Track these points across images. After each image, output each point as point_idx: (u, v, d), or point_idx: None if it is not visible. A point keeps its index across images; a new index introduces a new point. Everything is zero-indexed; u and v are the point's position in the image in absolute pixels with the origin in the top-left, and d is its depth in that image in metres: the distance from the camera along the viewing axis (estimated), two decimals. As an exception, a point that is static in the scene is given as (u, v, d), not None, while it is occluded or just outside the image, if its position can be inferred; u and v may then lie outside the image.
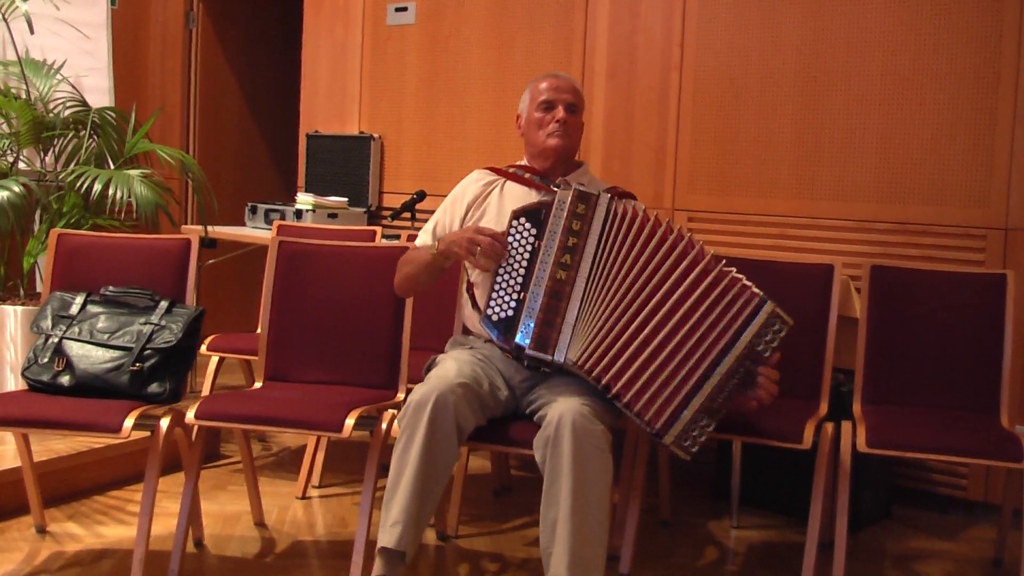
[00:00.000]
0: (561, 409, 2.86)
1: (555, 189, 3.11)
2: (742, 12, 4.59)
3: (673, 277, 2.98)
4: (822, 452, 3.31)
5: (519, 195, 3.27)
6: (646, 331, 2.94)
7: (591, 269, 2.98)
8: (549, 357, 2.96)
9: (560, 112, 3.26)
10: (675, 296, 2.96)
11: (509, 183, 3.32)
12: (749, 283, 3.00)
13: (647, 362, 2.94)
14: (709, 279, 2.98)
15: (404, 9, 5.70)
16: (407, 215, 4.99)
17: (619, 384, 2.92)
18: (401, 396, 3.52)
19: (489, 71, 5.39)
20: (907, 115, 4.23)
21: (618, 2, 4.95)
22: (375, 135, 5.78)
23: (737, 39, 4.61)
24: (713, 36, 4.68)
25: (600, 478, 2.84)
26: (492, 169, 3.37)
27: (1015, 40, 4.00)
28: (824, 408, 3.59)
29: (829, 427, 3.35)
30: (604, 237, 3.00)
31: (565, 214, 3.00)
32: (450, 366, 3.03)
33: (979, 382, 3.61)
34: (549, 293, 2.97)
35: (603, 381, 2.93)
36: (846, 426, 3.36)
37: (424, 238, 3.33)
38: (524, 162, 3.38)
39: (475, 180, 3.37)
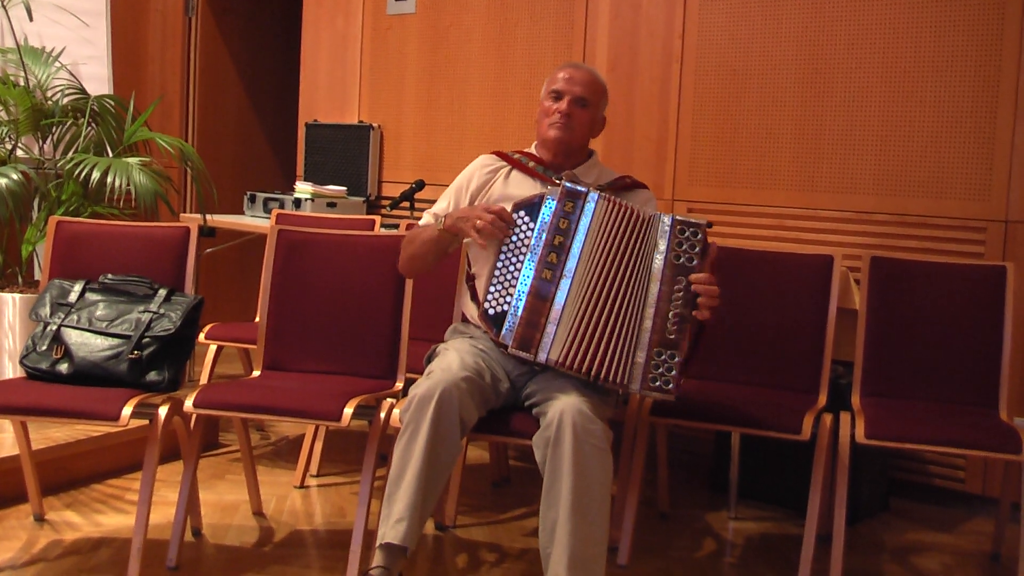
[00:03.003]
0: (561, 407, 2.85)
1: (557, 182, 3.10)
2: (743, 5, 4.58)
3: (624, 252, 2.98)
4: (821, 444, 3.31)
5: (523, 184, 3.24)
6: (611, 310, 2.94)
7: (576, 268, 2.95)
8: (531, 357, 2.95)
9: (564, 104, 3.21)
10: (617, 265, 2.97)
11: (515, 171, 3.30)
12: (644, 210, 2.99)
13: (606, 332, 2.93)
14: (629, 231, 2.98)
15: (404, -2, 5.70)
16: (406, 204, 4.99)
17: (596, 366, 2.92)
18: (400, 385, 3.52)
19: (489, 61, 5.38)
20: (908, 108, 4.22)
21: (619, -7, 4.95)
22: (375, 124, 5.77)
23: (738, 32, 4.60)
24: (714, 29, 4.67)
25: (600, 479, 2.82)
26: (499, 154, 3.35)
27: (1016, 33, 3.99)
28: (823, 400, 3.59)
29: (828, 419, 3.35)
30: (590, 236, 2.97)
31: (552, 212, 2.98)
32: (453, 358, 3.02)
33: (978, 375, 3.61)
34: (534, 293, 2.95)
35: (583, 370, 2.92)
36: (845, 418, 3.36)
37: (428, 219, 3.31)
38: (532, 149, 3.36)
39: (481, 166, 3.33)
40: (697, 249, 2.94)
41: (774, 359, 3.76)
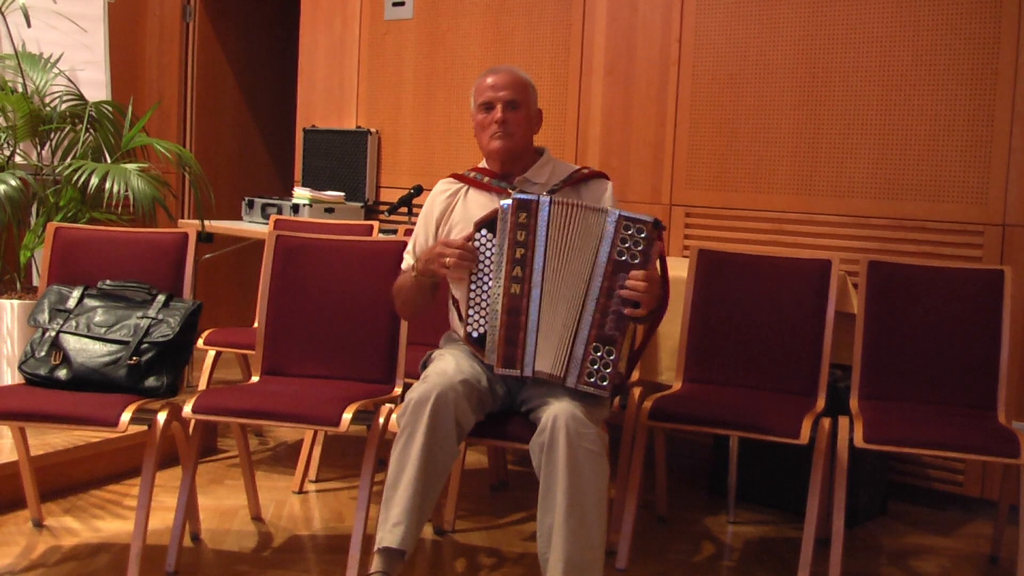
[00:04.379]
0: (554, 412, 2.85)
1: (511, 191, 3.10)
2: (741, 8, 4.59)
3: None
4: (819, 448, 3.31)
5: (481, 201, 3.23)
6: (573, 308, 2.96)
7: (543, 276, 2.96)
8: (518, 373, 2.97)
9: (498, 112, 3.19)
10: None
11: (472, 189, 3.29)
12: (607, 201, 2.99)
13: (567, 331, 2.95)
14: (584, 228, 2.97)
15: (402, 4, 5.69)
16: (404, 210, 4.99)
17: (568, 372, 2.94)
18: (398, 390, 3.52)
19: (487, 66, 5.36)
20: (905, 112, 4.23)
21: (616, -3, 4.95)
22: (372, 130, 5.77)
23: (736, 35, 4.61)
24: (711, 32, 4.67)
25: (596, 482, 2.83)
26: (455, 176, 3.34)
27: (1013, 38, 4.00)
28: (821, 403, 3.60)
29: (826, 422, 3.36)
30: (549, 242, 2.96)
31: (508, 226, 2.97)
32: (449, 362, 3.02)
33: (976, 378, 3.61)
34: (507, 310, 2.96)
35: (573, 384, 2.94)
36: (843, 421, 3.37)
37: (408, 260, 3.31)
38: (484, 163, 3.36)
39: (440, 193, 3.33)
40: (640, 247, 2.93)
41: (772, 363, 3.76)
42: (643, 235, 2.93)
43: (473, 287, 3.01)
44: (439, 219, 3.28)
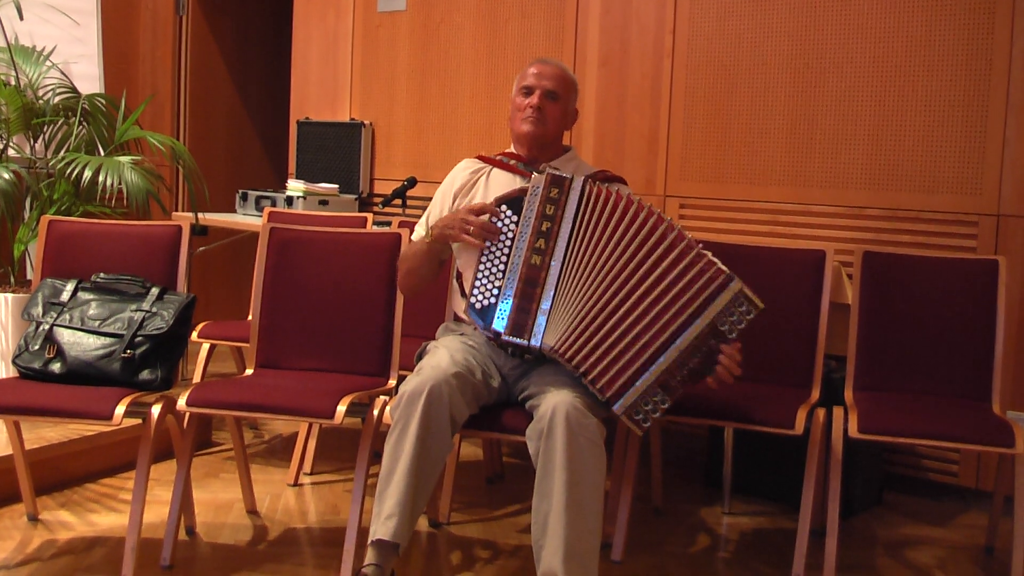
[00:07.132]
0: (555, 401, 2.85)
1: (537, 174, 3.11)
2: (734, -1, 4.59)
3: (643, 255, 2.96)
4: (814, 438, 3.31)
5: (504, 182, 3.26)
6: (619, 312, 2.94)
7: (565, 253, 2.97)
8: (525, 342, 2.96)
9: (535, 98, 3.23)
10: (643, 273, 2.95)
11: (495, 170, 3.31)
12: (717, 261, 2.97)
13: (614, 338, 2.93)
14: (675, 254, 2.95)
15: (395, -5, 5.69)
16: (398, 202, 4.97)
17: (592, 367, 2.92)
18: (393, 383, 3.52)
19: (481, 58, 5.38)
20: (900, 102, 4.23)
21: (610, -12, 4.94)
22: (366, 122, 5.76)
23: (729, 27, 4.60)
24: (705, 24, 4.67)
25: (593, 471, 2.83)
26: (480, 157, 3.38)
27: (1007, 28, 4.00)
28: (816, 394, 3.60)
29: (821, 413, 3.36)
30: (578, 220, 2.99)
31: (538, 199, 3.00)
32: (443, 355, 3.02)
33: (971, 368, 3.61)
34: (523, 279, 2.97)
35: (581, 368, 2.92)
36: (838, 412, 3.37)
37: (419, 231, 3.32)
38: (511, 149, 3.37)
39: (463, 169, 3.37)
40: (742, 325, 2.94)
41: (767, 354, 3.76)
42: (749, 316, 2.94)
43: (484, 259, 3.03)
44: (458, 192, 3.31)
